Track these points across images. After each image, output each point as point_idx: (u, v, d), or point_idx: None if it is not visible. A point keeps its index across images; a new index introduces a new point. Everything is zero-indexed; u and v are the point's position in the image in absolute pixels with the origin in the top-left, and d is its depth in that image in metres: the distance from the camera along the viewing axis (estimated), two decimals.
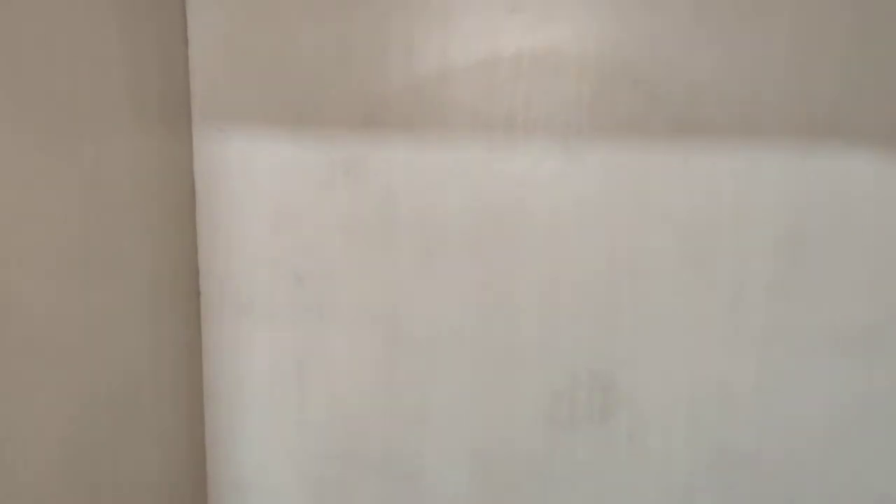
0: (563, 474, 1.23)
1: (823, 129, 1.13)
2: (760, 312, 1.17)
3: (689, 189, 1.14)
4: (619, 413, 1.21)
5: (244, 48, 1.13)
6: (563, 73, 1.12)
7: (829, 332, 1.18)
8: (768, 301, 1.17)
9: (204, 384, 1.22)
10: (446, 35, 1.12)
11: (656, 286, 1.17)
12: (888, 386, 1.19)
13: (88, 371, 0.90)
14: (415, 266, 1.18)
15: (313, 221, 1.17)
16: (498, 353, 1.20)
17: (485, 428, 1.22)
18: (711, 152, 1.13)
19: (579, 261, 1.17)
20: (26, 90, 0.77)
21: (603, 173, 1.15)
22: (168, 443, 1.13)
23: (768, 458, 1.22)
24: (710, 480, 1.22)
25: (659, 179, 1.14)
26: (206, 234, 1.17)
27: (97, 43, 0.90)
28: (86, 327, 0.90)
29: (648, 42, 1.11)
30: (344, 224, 1.17)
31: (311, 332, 1.20)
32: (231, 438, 1.24)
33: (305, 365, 1.21)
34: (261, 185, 1.16)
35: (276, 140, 1.15)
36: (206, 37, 1.12)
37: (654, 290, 1.17)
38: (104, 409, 0.95)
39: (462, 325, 1.20)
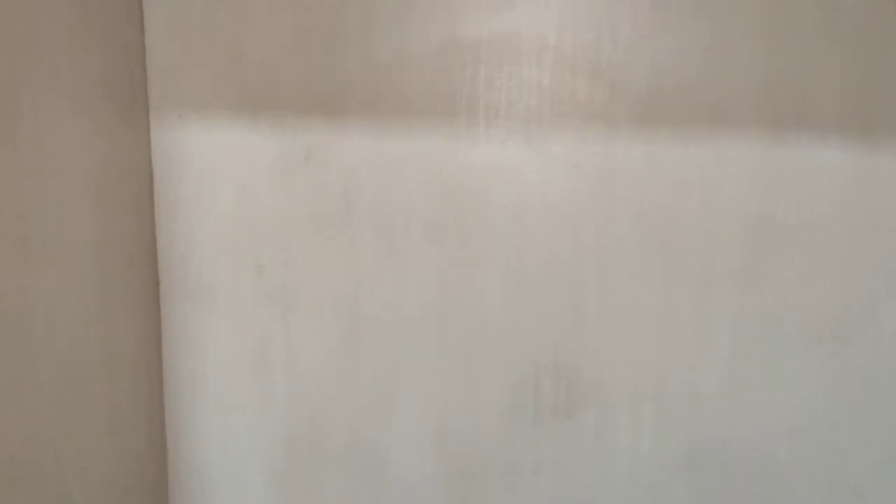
0: (527, 466, 1.21)
1: (790, 118, 1.10)
2: (728, 304, 1.15)
3: (654, 178, 1.12)
4: (584, 405, 1.19)
5: (201, 34, 1.11)
6: (522, 60, 1.10)
7: (798, 323, 1.15)
8: (736, 293, 1.15)
9: (164, 374, 1.20)
10: (406, 21, 1.10)
11: (622, 276, 1.15)
12: (856, 378, 1.16)
13: (40, 363, 0.89)
14: (377, 254, 1.16)
15: (273, 209, 1.15)
16: (461, 342, 1.19)
17: (448, 418, 1.21)
18: (676, 141, 1.11)
19: (543, 250, 1.15)
20: None
21: (566, 161, 1.13)
22: (127, 434, 1.11)
23: (737, 451, 1.19)
24: (678, 474, 1.20)
25: (623, 168, 1.12)
26: (165, 223, 1.16)
27: (45, 29, 0.89)
28: (34, 319, 0.88)
29: (609, 28, 1.08)
30: (305, 212, 1.15)
31: (273, 320, 1.18)
32: (192, 429, 1.23)
33: (267, 354, 1.20)
34: (220, 172, 1.15)
35: (234, 127, 1.13)
36: (162, 23, 1.11)
37: (619, 281, 1.15)
38: (58, 402, 0.94)
39: (424, 313, 1.18)
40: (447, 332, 1.18)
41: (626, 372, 1.17)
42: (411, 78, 1.11)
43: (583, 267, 1.15)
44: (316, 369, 1.20)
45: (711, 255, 1.14)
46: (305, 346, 1.19)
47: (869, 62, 1.08)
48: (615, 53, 1.09)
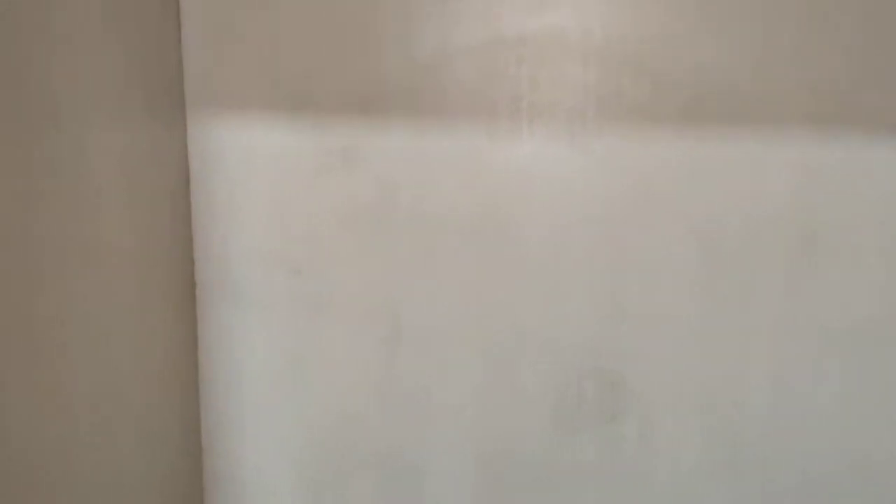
0: (568, 475, 1.19)
1: (837, 118, 1.08)
2: (774, 309, 1.13)
3: (698, 179, 1.10)
4: (627, 413, 1.16)
5: (239, 33, 1.10)
6: (568, 58, 1.08)
7: (845, 329, 1.12)
8: (782, 297, 1.12)
9: (199, 377, 1.19)
10: (446, 17, 1.08)
11: (666, 281, 1.12)
12: None
13: (79, 365, 0.88)
14: (415, 257, 1.14)
15: (310, 211, 1.14)
16: (501, 348, 1.17)
17: (487, 426, 1.19)
18: (721, 141, 1.08)
19: (586, 253, 1.13)
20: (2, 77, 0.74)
21: (609, 162, 1.10)
22: (162, 437, 1.10)
23: (781, 460, 1.17)
24: (722, 483, 1.18)
25: (668, 170, 1.10)
26: (202, 224, 1.15)
27: (82, 28, 0.87)
28: (74, 322, 0.87)
29: (655, 26, 1.06)
30: (342, 214, 1.14)
31: (309, 325, 1.17)
32: (227, 433, 1.21)
33: (303, 359, 1.18)
34: (257, 173, 1.13)
35: (272, 127, 1.12)
36: (199, 21, 1.10)
37: (663, 285, 1.12)
38: (95, 405, 0.93)
39: (464, 319, 1.16)
40: (486, 336, 1.16)
41: (669, 378, 1.15)
42: (452, 76, 1.09)
43: (626, 270, 1.13)
44: (351, 374, 1.18)
45: (757, 258, 1.12)
46: (341, 351, 1.17)
47: None
48: (661, 51, 1.06)
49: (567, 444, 1.19)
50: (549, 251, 1.13)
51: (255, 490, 1.23)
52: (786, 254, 1.11)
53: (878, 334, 1.12)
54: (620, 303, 1.13)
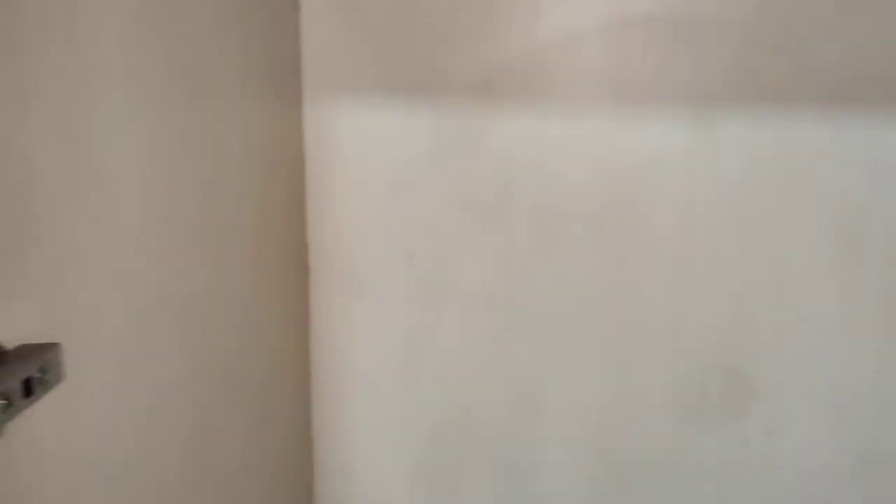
0: (688, 468, 1.15)
1: None
2: None
3: (840, 166, 1.04)
4: (753, 409, 1.11)
5: (358, 13, 1.07)
6: (701, 37, 1.03)
7: None
8: None
9: (311, 362, 1.17)
10: None
11: (801, 272, 1.07)
12: None
13: (197, 343, 0.86)
14: (532, 244, 1.11)
15: (426, 195, 1.11)
16: (620, 339, 1.12)
17: (606, 421, 1.15)
18: (866, 126, 1.02)
19: (714, 242, 1.08)
20: (151, 56, 0.73)
21: (742, 147, 1.05)
22: (274, 423, 1.09)
23: None
24: (853, 483, 1.12)
25: (807, 155, 1.04)
26: (316, 207, 1.13)
27: (218, 12, 0.86)
28: (193, 299, 0.85)
29: (797, 2, 1.01)
30: (459, 199, 1.11)
31: (423, 312, 1.14)
32: (338, 420, 1.19)
33: (416, 345, 1.15)
34: (373, 156, 1.11)
35: (389, 109, 1.09)
36: (319, 3, 1.08)
37: (798, 277, 1.07)
38: (210, 388, 0.91)
39: (582, 306, 1.12)
40: (606, 326, 1.12)
41: (801, 374, 1.09)
42: (578, 57, 1.05)
43: (757, 260, 1.07)
44: (466, 362, 1.15)
45: None
46: (455, 338, 1.15)
47: None
48: (804, 31, 1.01)
49: (690, 441, 1.14)
50: (677, 242, 1.08)
51: (365, 479, 1.21)
52: None
53: None
54: (751, 294, 1.08)
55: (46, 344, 0.54)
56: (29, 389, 0.51)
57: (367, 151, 1.11)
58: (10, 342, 0.52)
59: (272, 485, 1.10)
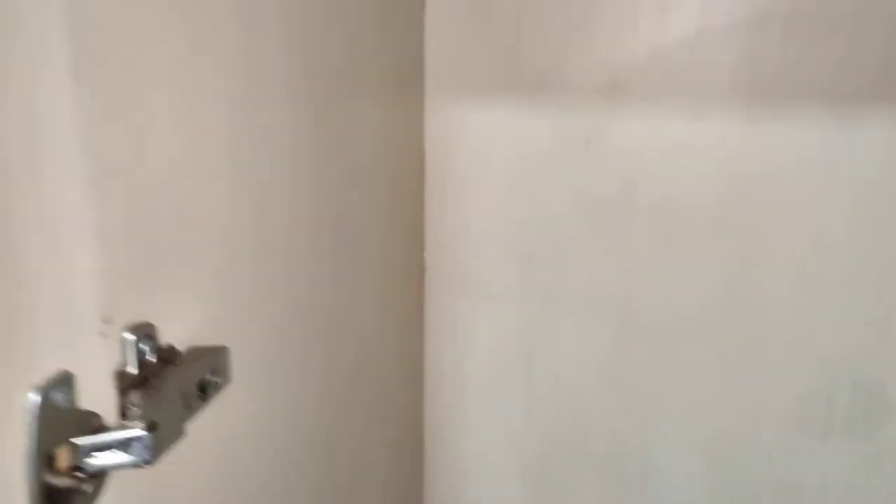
0: (811, 485, 1.10)
1: None
2: None
3: None
4: (888, 426, 1.05)
5: (482, 11, 1.06)
6: (844, 33, 0.97)
7: None
8: None
9: (425, 363, 1.18)
10: None
11: None
12: None
13: (331, 343, 0.88)
14: (654, 248, 1.08)
15: (547, 198, 1.09)
16: (743, 347, 1.08)
17: (723, 428, 1.11)
18: None
19: (849, 247, 1.02)
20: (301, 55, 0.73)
21: (884, 148, 0.99)
22: (389, 422, 1.10)
23: None
24: None
25: None
26: (435, 207, 1.13)
27: (348, 13, 0.86)
28: (330, 300, 0.86)
29: None
30: (580, 201, 1.09)
31: (540, 314, 1.13)
32: (450, 419, 1.19)
33: (531, 349, 1.14)
34: (493, 156, 1.10)
35: (512, 109, 1.08)
36: (442, 1, 1.07)
37: None
38: (339, 389, 0.92)
39: (703, 313, 1.08)
40: (728, 334, 1.08)
41: None
42: (709, 55, 1.01)
43: (893, 267, 1.02)
44: (582, 366, 1.13)
45: None
46: (572, 341, 1.13)
47: None
48: None
49: (813, 456, 1.09)
50: (808, 245, 1.03)
51: (476, 479, 1.21)
52: None
53: None
54: (888, 304, 1.02)
55: (215, 347, 0.55)
56: (204, 391, 0.52)
57: (486, 151, 1.10)
58: (180, 344, 0.54)
59: (385, 485, 1.11)
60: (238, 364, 0.58)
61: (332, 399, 0.88)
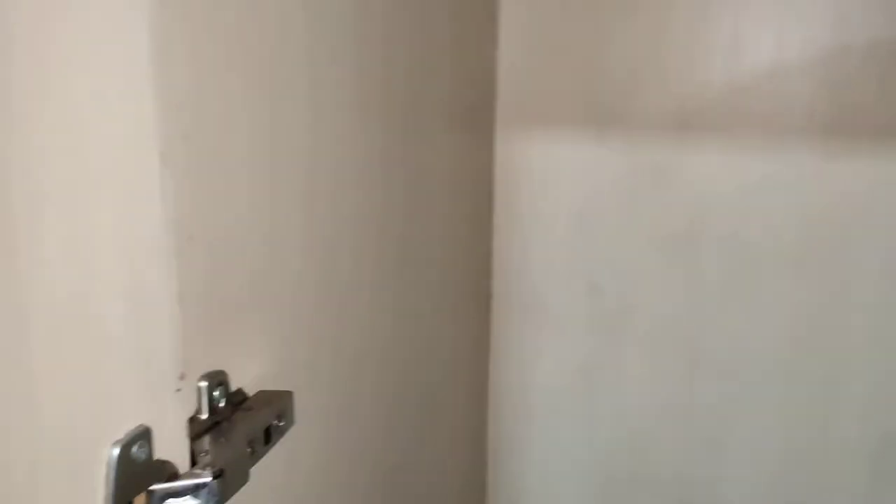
0: None
1: None
2: None
3: None
4: None
5: (553, 48, 1.08)
6: None
7: None
8: None
9: (489, 390, 1.20)
10: (781, 24, 0.98)
11: None
12: None
13: (399, 378, 0.91)
14: (723, 283, 1.07)
15: (614, 227, 1.10)
16: (815, 386, 1.06)
17: (791, 468, 1.09)
18: None
19: None
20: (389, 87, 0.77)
21: None
22: (454, 446, 1.12)
23: None
24: None
25: None
26: (502, 236, 1.15)
27: (433, 41, 0.89)
28: (395, 334, 0.89)
29: None
30: (648, 231, 1.08)
31: (605, 344, 1.13)
32: (513, 448, 1.21)
33: (596, 378, 1.15)
34: (561, 188, 1.11)
35: (580, 142, 1.09)
36: (515, 37, 1.09)
37: None
38: (404, 419, 0.95)
39: (774, 353, 1.06)
40: (798, 371, 1.06)
41: None
42: (784, 89, 0.99)
43: None
44: (646, 396, 1.13)
45: None
46: (636, 372, 1.13)
47: None
48: None
49: (888, 499, 1.05)
50: (888, 285, 1.00)
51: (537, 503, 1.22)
52: None
53: None
54: None
55: (282, 392, 0.59)
56: (268, 436, 0.56)
57: (555, 183, 1.11)
58: (249, 389, 0.58)
59: (445, 501, 1.13)
60: (305, 406, 0.62)
61: (399, 432, 0.91)
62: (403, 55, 0.82)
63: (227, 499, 0.49)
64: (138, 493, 0.45)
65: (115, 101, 0.40)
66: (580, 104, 1.08)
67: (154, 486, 0.46)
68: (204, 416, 0.53)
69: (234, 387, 0.56)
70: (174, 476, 0.48)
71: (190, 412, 0.51)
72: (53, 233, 0.37)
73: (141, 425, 0.44)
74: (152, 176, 0.43)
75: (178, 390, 0.48)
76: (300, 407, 0.61)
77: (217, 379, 0.54)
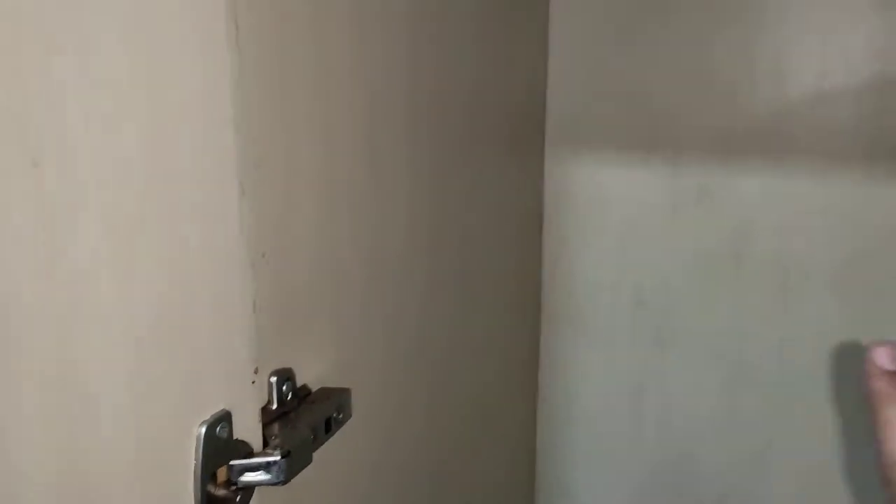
0: None
1: None
2: None
3: None
4: None
5: (602, 73, 1.14)
6: None
7: None
8: None
9: (538, 400, 1.26)
10: (825, 54, 1.02)
11: None
12: None
13: (450, 382, 0.98)
14: (768, 300, 1.10)
15: (660, 247, 1.15)
16: (856, 408, 1.08)
17: (833, 484, 1.11)
18: None
19: None
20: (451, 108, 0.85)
21: None
22: (503, 453, 1.19)
23: None
24: None
25: None
26: (551, 253, 1.21)
27: (486, 67, 0.97)
28: (447, 342, 0.97)
29: None
30: (692, 252, 1.13)
31: (649, 358, 1.18)
32: (561, 454, 1.27)
33: (641, 392, 1.20)
34: (608, 206, 1.17)
35: (627, 164, 1.15)
36: (564, 61, 1.16)
37: None
38: (453, 419, 1.02)
39: (816, 367, 1.09)
40: (841, 395, 1.09)
41: None
42: (828, 116, 1.03)
43: None
44: (690, 412, 1.18)
45: None
46: (681, 387, 1.17)
47: None
48: None
49: None
50: None
51: None
52: None
53: None
54: None
55: (341, 388, 0.67)
56: (328, 426, 0.64)
57: (602, 201, 1.17)
58: (314, 384, 0.67)
59: None
60: (361, 403, 0.70)
61: (450, 434, 0.99)
62: (457, 80, 0.90)
63: (292, 476, 0.58)
64: (220, 465, 0.54)
65: (203, 141, 0.50)
66: (627, 128, 1.14)
67: (233, 462, 0.55)
68: (274, 406, 0.62)
69: (299, 383, 0.65)
70: (249, 454, 0.56)
71: (262, 402, 0.60)
72: (153, 255, 0.47)
73: (223, 409, 0.53)
74: (233, 203, 0.52)
75: (253, 382, 0.57)
76: (357, 403, 0.69)
77: (285, 375, 0.63)
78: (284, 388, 0.62)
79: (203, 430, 0.52)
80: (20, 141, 0.38)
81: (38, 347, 0.41)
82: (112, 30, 0.42)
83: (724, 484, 1.17)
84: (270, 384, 0.61)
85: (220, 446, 0.53)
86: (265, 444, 0.59)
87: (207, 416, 0.52)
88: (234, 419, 0.55)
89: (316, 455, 0.62)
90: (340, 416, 0.66)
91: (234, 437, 0.55)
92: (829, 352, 1.09)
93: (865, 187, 1.03)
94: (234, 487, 0.56)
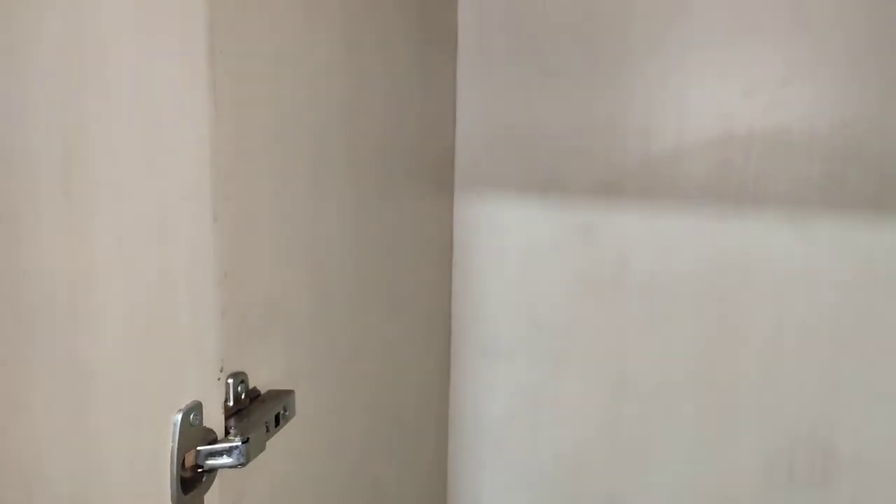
0: None
1: None
2: None
3: None
4: (840, 479, 1.23)
5: (501, 126, 1.32)
6: (793, 153, 1.19)
7: None
8: None
9: (450, 412, 1.40)
10: (682, 116, 1.23)
11: (885, 361, 1.19)
12: None
13: (384, 392, 1.11)
14: (643, 323, 1.29)
15: (553, 276, 1.32)
16: (718, 410, 1.28)
17: (702, 480, 1.30)
18: None
19: (803, 327, 1.22)
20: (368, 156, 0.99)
21: (831, 249, 1.19)
22: (418, 461, 1.32)
23: None
24: None
25: (890, 258, 1.17)
26: (460, 283, 1.37)
27: (403, 122, 1.12)
28: (376, 351, 1.09)
29: (878, 124, 1.15)
30: (581, 280, 1.31)
31: (546, 374, 1.35)
32: (470, 465, 1.41)
33: (538, 405, 1.36)
34: (508, 242, 1.34)
35: (525, 205, 1.32)
36: (471, 117, 1.33)
37: (882, 365, 1.19)
38: (380, 427, 1.14)
39: (685, 380, 1.28)
40: (705, 400, 1.28)
41: (884, 450, 1.20)
42: (685, 167, 1.24)
43: (843, 346, 1.20)
44: (580, 420, 1.34)
45: None
46: (573, 400, 1.34)
47: None
48: (885, 148, 1.15)
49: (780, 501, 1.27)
50: (771, 329, 1.23)
51: None
52: None
53: None
54: (837, 378, 1.21)
55: (287, 390, 0.79)
56: (277, 421, 0.76)
57: (504, 238, 1.34)
58: (261, 388, 0.78)
59: None
60: (302, 404, 0.82)
61: (374, 440, 1.11)
62: (382, 132, 1.05)
63: (250, 459, 0.69)
64: (191, 449, 0.65)
65: (183, 175, 0.62)
66: (525, 173, 1.31)
67: (200, 447, 0.66)
68: (230, 403, 0.73)
69: (251, 385, 0.76)
70: (214, 441, 0.68)
71: (224, 398, 0.71)
72: (147, 270, 0.58)
73: (195, 400, 0.65)
74: (207, 229, 0.65)
75: (219, 379, 0.68)
76: (299, 403, 0.81)
77: (240, 378, 0.74)
78: (239, 388, 0.74)
79: (179, 416, 0.63)
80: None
81: (55, 341, 0.52)
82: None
83: (612, 484, 1.34)
84: (227, 385, 0.72)
85: (192, 432, 0.65)
86: (226, 433, 0.70)
87: (183, 405, 0.63)
88: (203, 410, 0.66)
89: (268, 443, 0.74)
90: (287, 412, 0.78)
91: (203, 426, 0.66)
92: (696, 364, 1.28)
93: (718, 222, 1.24)
94: (199, 470, 0.67)
